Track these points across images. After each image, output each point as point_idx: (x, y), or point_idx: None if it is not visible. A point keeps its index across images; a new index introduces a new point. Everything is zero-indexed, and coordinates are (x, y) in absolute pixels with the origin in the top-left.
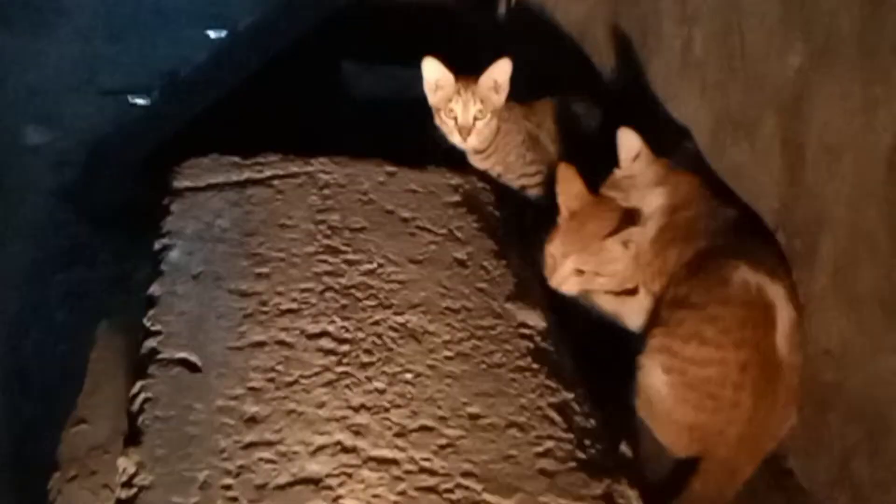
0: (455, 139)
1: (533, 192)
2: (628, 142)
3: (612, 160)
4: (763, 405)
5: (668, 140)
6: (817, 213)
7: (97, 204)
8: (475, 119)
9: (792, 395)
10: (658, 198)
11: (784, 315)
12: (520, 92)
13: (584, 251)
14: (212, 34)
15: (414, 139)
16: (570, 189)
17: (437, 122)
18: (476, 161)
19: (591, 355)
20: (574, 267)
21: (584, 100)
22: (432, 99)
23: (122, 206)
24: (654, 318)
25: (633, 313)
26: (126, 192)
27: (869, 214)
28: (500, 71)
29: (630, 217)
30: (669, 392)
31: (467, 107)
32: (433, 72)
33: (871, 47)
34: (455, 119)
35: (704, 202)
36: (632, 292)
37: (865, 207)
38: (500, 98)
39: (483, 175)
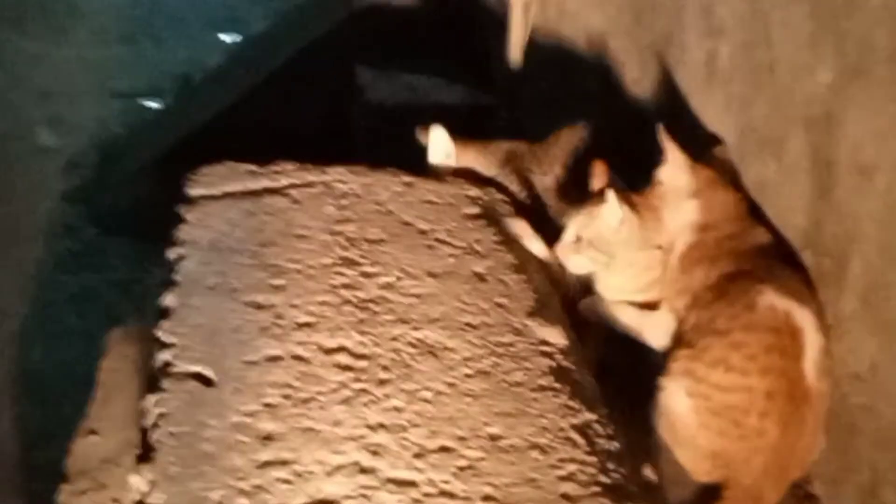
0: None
1: None
2: (667, 150)
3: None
4: (790, 433)
5: (692, 152)
6: (847, 233)
7: (107, 207)
8: None
9: (820, 423)
10: (690, 212)
11: (812, 341)
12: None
13: (586, 215)
14: (225, 37)
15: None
16: (599, 177)
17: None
18: None
19: (613, 375)
20: (575, 231)
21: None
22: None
23: (132, 209)
24: (678, 341)
25: (654, 329)
26: (137, 196)
27: None
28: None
29: (633, 202)
30: (693, 417)
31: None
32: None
33: None
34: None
35: (736, 223)
36: (652, 307)
37: None
38: None
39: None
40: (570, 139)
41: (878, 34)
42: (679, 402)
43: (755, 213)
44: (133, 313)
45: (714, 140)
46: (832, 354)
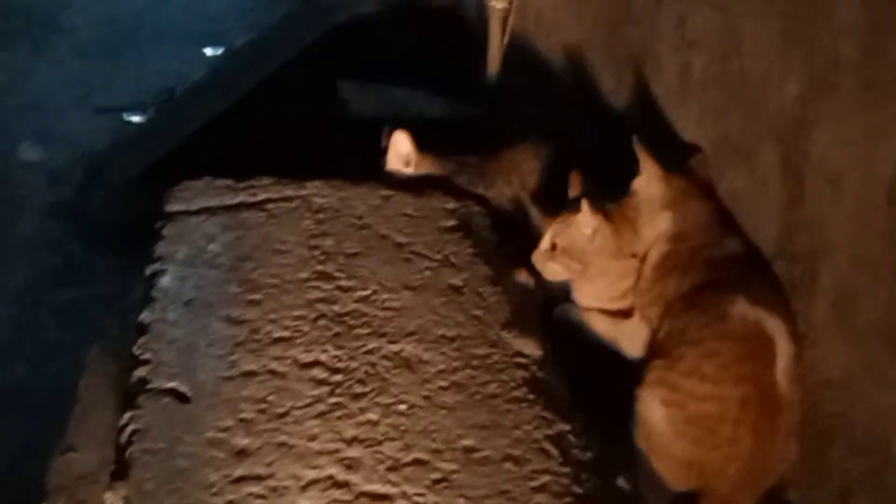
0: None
1: None
2: (641, 160)
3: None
4: (763, 441)
5: (667, 163)
6: (817, 242)
7: (91, 222)
8: None
9: (793, 430)
10: (663, 223)
11: (783, 349)
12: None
13: (561, 223)
14: (208, 52)
15: None
16: (576, 188)
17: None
18: None
19: (588, 385)
20: (550, 238)
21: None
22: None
23: (116, 224)
24: (652, 351)
25: (627, 338)
26: (120, 211)
27: (870, 244)
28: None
29: (607, 212)
30: (668, 426)
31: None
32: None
33: (871, 76)
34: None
35: (708, 232)
36: (626, 314)
37: (866, 237)
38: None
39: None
40: (519, 157)
41: (845, 46)
42: (654, 412)
43: (729, 221)
44: (117, 329)
45: (693, 149)
46: (804, 362)
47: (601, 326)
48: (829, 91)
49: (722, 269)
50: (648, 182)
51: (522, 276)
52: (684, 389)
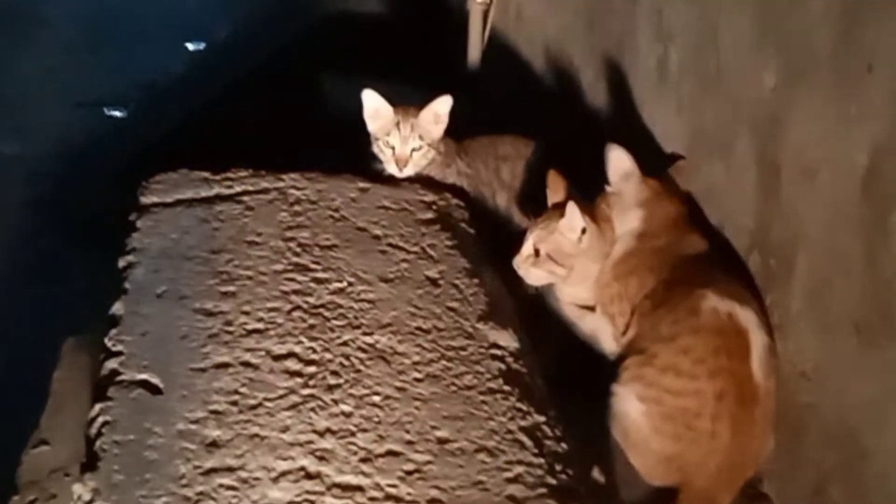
0: (391, 168)
1: None
2: (617, 160)
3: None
4: (741, 434)
5: (645, 157)
6: (793, 234)
7: (71, 217)
8: (413, 151)
9: (769, 422)
10: (633, 221)
11: (757, 340)
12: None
13: (543, 228)
14: (190, 46)
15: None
16: (556, 188)
17: (375, 150)
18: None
19: (564, 377)
20: (533, 244)
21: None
22: (371, 128)
23: (95, 219)
24: (625, 350)
25: (589, 329)
26: (100, 205)
27: (843, 235)
28: (442, 105)
29: (591, 213)
30: (646, 422)
31: (406, 140)
32: (372, 103)
33: (845, 67)
34: (392, 149)
35: (673, 232)
36: (592, 308)
37: (840, 228)
38: (439, 130)
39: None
40: (498, 143)
41: (818, 38)
42: (632, 408)
43: (696, 222)
44: (95, 322)
45: (675, 157)
46: (777, 352)
47: (569, 313)
48: (804, 83)
49: (687, 267)
50: (624, 181)
51: None
52: (661, 385)
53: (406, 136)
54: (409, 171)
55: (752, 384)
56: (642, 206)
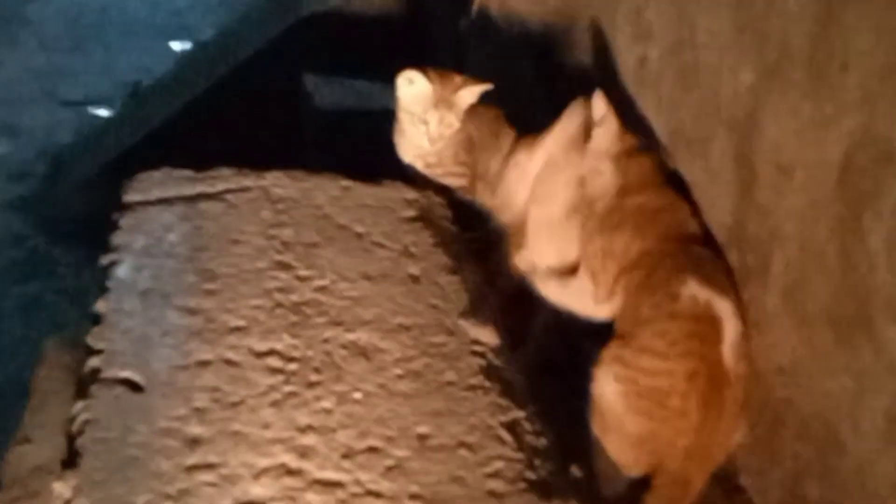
0: (424, 143)
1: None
2: (597, 103)
3: None
4: (711, 415)
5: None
6: (769, 230)
7: (56, 216)
8: (446, 128)
9: (739, 406)
10: (608, 174)
11: (730, 327)
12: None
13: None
14: (175, 45)
15: (376, 152)
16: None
17: (405, 125)
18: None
19: (550, 373)
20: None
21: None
22: (408, 105)
23: (81, 218)
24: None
25: (575, 296)
26: (85, 205)
27: (819, 232)
28: (479, 90)
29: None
30: (620, 401)
31: (443, 119)
32: (412, 80)
33: (820, 65)
34: (426, 125)
35: (656, 193)
36: (573, 272)
37: (816, 225)
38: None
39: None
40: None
41: (795, 36)
42: (607, 388)
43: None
44: (80, 321)
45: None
46: (750, 340)
47: (553, 290)
48: (780, 80)
49: (673, 243)
50: (604, 133)
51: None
52: (636, 366)
53: (443, 116)
54: (438, 146)
55: (722, 368)
56: (615, 160)
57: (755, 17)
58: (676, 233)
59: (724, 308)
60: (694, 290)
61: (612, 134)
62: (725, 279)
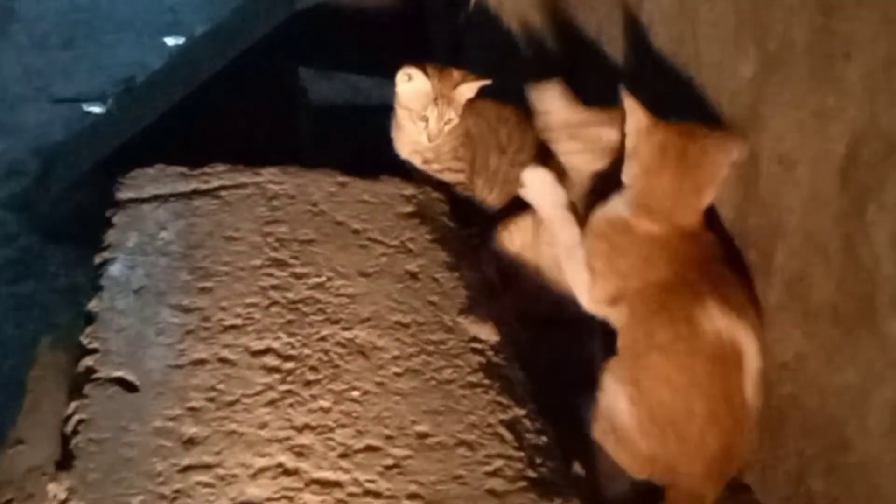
0: (422, 139)
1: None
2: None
3: None
4: (730, 443)
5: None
6: (772, 224)
7: (49, 214)
8: (445, 123)
9: (754, 428)
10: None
11: (752, 363)
12: None
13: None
14: (169, 41)
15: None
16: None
17: (403, 121)
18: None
19: (547, 370)
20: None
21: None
22: (406, 102)
23: (74, 216)
24: (620, 343)
25: (572, 279)
26: (79, 203)
27: (822, 225)
28: (478, 85)
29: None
30: (634, 424)
31: (443, 115)
32: (411, 76)
33: (822, 57)
34: (426, 121)
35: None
36: None
37: (819, 218)
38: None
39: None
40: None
41: (795, 28)
42: (620, 406)
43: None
44: (74, 320)
45: None
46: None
47: (561, 260)
48: (781, 73)
49: (696, 267)
50: (632, 131)
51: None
52: (653, 395)
53: (443, 112)
54: (438, 142)
55: (743, 402)
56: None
57: (755, 8)
58: (696, 252)
59: (747, 342)
60: (718, 324)
61: (642, 131)
62: (747, 299)
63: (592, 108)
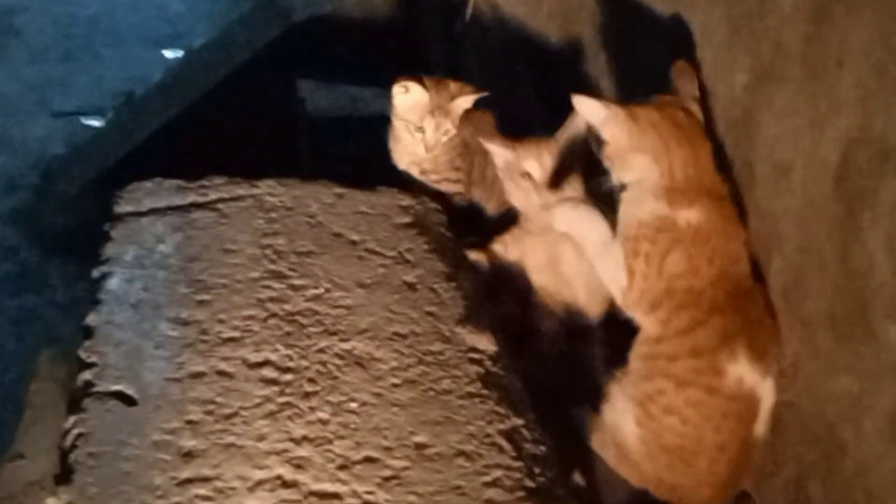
0: (419, 150)
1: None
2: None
3: None
4: (738, 469)
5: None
6: (767, 231)
7: (48, 228)
8: (442, 135)
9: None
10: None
11: (767, 404)
12: None
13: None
14: (167, 54)
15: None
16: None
17: (400, 132)
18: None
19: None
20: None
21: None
22: (404, 114)
23: (73, 230)
24: (637, 354)
25: (606, 275)
26: (78, 216)
27: (817, 232)
28: (475, 97)
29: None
30: (640, 447)
31: (440, 126)
32: (408, 89)
33: (816, 64)
34: (423, 132)
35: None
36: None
37: (813, 225)
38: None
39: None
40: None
41: (789, 36)
42: (627, 427)
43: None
44: (70, 334)
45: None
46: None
47: (595, 233)
48: (775, 81)
49: (730, 297)
50: (615, 128)
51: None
52: (663, 423)
53: (440, 123)
54: (435, 152)
55: (752, 438)
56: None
57: (749, 16)
58: (731, 273)
59: (766, 390)
60: (742, 372)
61: (624, 124)
62: (773, 340)
63: (516, 142)
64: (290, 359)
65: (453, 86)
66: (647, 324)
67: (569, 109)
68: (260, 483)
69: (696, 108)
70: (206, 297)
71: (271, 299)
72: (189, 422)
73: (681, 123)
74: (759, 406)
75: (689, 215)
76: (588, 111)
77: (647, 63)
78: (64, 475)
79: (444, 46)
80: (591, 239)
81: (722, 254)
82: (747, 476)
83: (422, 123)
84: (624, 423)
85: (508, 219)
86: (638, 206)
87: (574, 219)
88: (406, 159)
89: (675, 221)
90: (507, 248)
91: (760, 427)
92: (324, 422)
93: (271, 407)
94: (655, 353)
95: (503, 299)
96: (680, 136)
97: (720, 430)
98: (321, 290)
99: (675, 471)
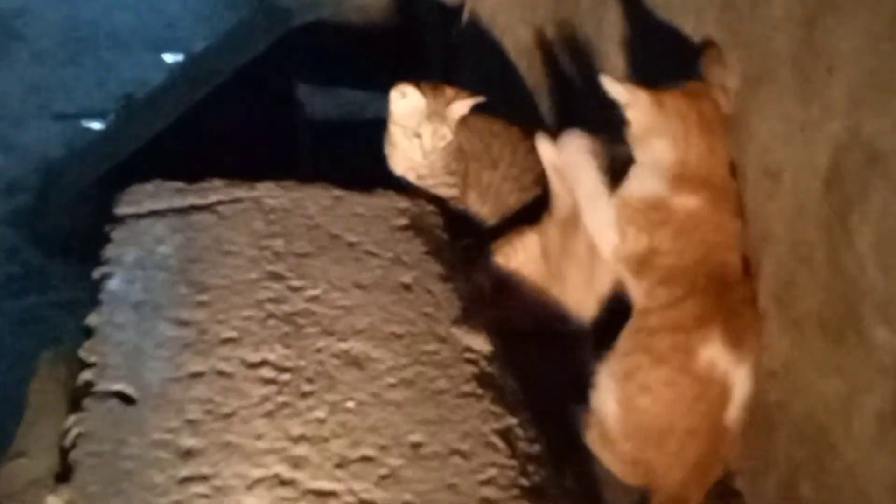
0: (416, 155)
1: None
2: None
3: None
4: (707, 455)
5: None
6: (759, 233)
7: (49, 230)
8: (439, 140)
9: (737, 439)
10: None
11: (741, 393)
12: None
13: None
14: (167, 57)
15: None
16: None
17: (397, 137)
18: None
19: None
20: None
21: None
22: (400, 119)
23: (75, 232)
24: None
25: (596, 228)
26: (79, 218)
27: (807, 235)
28: (471, 103)
29: None
30: (617, 425)
31: (436, 131)
32: (406, 94)
33: (806, 69)
34: (419, 138)
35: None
36: None
37: (804, 228)
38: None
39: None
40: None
41: (779, 40)
42: (607, 406)
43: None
44: (71, 334)
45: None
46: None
47: (590, 182)
48: (766, 85)
49: (714, 280)
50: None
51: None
52: (636, 402)
53: (437, 129)
54: (432, 158)
55: (723, 424)
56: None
57: (739, 20)
58: (717, 261)
59: (739, 377)
60: (715, 355)
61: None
62: (752, 331)
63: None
64: (288, 359)
65: (450, 91)
66: (637, 293)
67: (567, 113)
68: (258, 481)
69: (723, 100)
70: (205, 297)
71: (270, 300)
72: (188, 421)
73: (706, 114)
74: (732, 393)
75: (687, 202)
76: (615, 93)
77: (640, 68)
78: (64, 474)
79: (441, 52)
80: (586, 185)
81: (710, 242)
82: (723, 463)
83: (419, 129)
84: (606, 403)
85: (506, 223)
86: (642, 183)
87: (576, 160)
88: (403, 164)
89: (671, 205)
90: (516, 251)
91: (732, 414)
92: (321, 421)
93: (269, 406)
94: (640, 327)
95: (511, 303)
96: (702, 128)
97: (691, 412)
98: (319, 291)
99: (648, 451)
